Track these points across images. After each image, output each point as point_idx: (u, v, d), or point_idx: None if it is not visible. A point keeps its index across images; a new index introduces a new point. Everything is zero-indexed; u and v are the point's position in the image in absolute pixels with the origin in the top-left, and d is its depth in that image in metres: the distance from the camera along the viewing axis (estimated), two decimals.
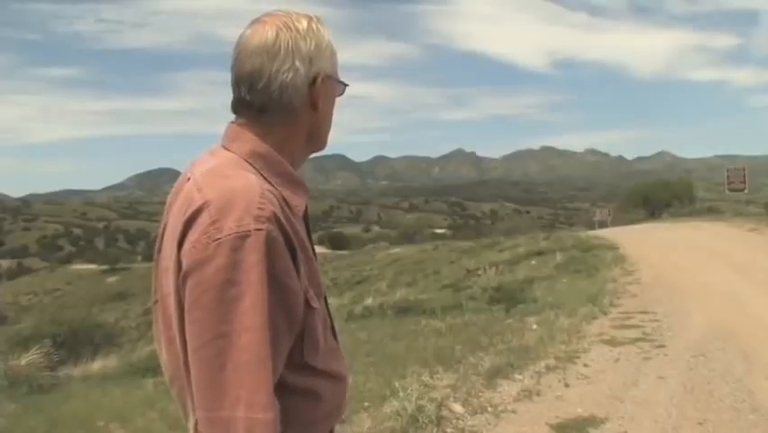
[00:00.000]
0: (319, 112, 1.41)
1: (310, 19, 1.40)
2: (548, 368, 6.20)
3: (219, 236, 1.17)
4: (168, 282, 1.28)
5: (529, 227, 50.57)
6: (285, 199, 1.32)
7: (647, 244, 19.36)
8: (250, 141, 1.36)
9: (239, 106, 1.39)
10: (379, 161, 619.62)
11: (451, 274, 21.50)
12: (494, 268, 15.95)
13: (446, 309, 10.23)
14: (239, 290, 1.15)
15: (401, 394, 5.10)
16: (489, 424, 4.85)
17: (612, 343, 7.12)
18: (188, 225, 1.22)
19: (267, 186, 1.28)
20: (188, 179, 1.34)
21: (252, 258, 1.16)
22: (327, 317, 1.50)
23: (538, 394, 5.47)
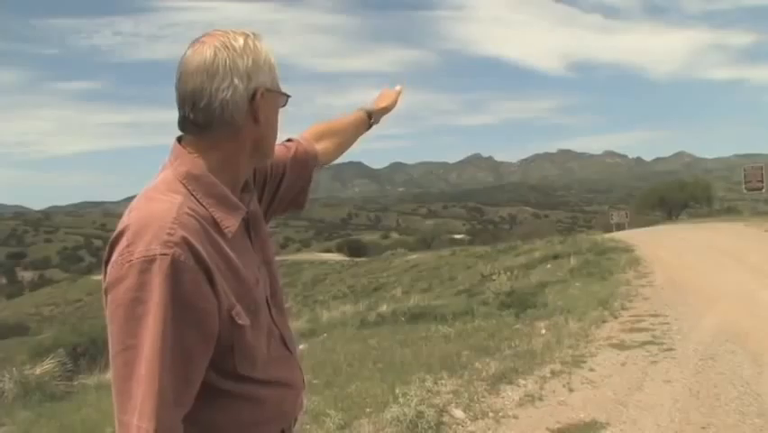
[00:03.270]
0: (262, 124, 1.47)
1: (247, 36, 1.45)
2: (553, 373, 6.16)
3: (131, 259, 1.27)
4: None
5: (547, 231, 50.42)
6: (215, 221, 1.39)
7: (662, 246, 19.23)
8: (187, 162, 1.43)
9: (185, 124, 1.45)
10: (397, 167, 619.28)
11: (466, 280, 21.49)
12: (508, 273, 15.90)
13: (457, 315, 10.21)
14: (145, 308, 1.24)
15: (401, 400, 5.12)
16: (489, 429, 4.82)
17: (620, 347, 7.06)
18: (112, 246, 1.32)
19: (194, 207, 1.36)
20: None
21: (157, 280, 1.25)
22: (274, 327, 1.59)
23: (541, 399, 5.44)
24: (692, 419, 4.78)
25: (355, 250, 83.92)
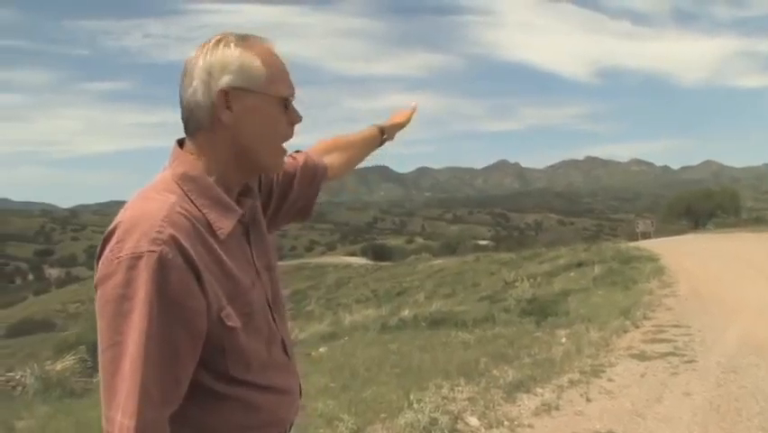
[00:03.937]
0: (233, 127, 1.44)
1: (222, 38, 1.45)
2: (571, 382, 6.09)
3: (120, 255, 1.27)
4: None
5: (572, 239, 50.10)
6: (208, 222, 1.39)
7: (688, 256, 19.04)
8: (184, 163, 1.44)
9: (184, 126, 1.47)
10: (423, 172, 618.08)
11: (489, 286, 21.37)
12: (531, 280, 15.83)
13: (478, 321, 10.18)
14: (131, 305, 1.25)
15: (416, 406, 5.09)
16: None
17: (640, 357, 6.96)
18: (105, 242, 1.33)
19: (187, 207, 1.36)
20: None
21: (143, 277, 1.25)
22: (276, 333, 1.58)
23: (558, 409, 5.37)
24: None
25: (380, 254, 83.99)
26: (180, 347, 1.30)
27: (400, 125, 2.29)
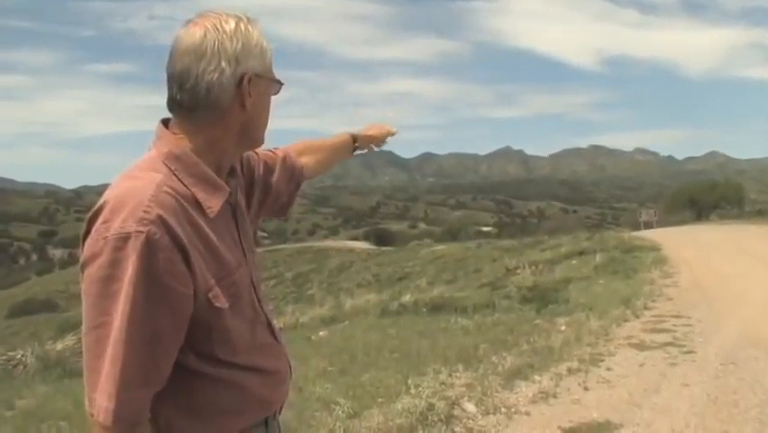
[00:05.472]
0: (249, 110, 1.44)
1: (239, 20, 1.43)
2: (570, 370, 6.09)
3: (106, 235, 1.25)
4: None
5: (575, 227, 50.03)
6: (197, 200, 1.37)
7: (690, 247, 19.02)
8: (169, 142, 1.42)
9: (172, 105, 1.43)
10: (427, 157, 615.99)
11: (491, 273, 21.40)
12: (532, 267, 15.84)
13: (478, 308, 10.20)
14: (117, 286, 1.24)
15: (413, 391, 5.10)
16: (500, 425, 4.77)
17: (640, 347, 6.96)
18: (90, 222, 1.30)
19: (174, 186, 1.34)
20: None
21: (130, 258, 1.24)
22: (261, 314, 1.57)
23: (555, 397, 5.37)
24: (709, 425, 4.68)
25: (382, 239, 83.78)
26: (164, 330, 1.29)
27: (374, 139, 2.28)
